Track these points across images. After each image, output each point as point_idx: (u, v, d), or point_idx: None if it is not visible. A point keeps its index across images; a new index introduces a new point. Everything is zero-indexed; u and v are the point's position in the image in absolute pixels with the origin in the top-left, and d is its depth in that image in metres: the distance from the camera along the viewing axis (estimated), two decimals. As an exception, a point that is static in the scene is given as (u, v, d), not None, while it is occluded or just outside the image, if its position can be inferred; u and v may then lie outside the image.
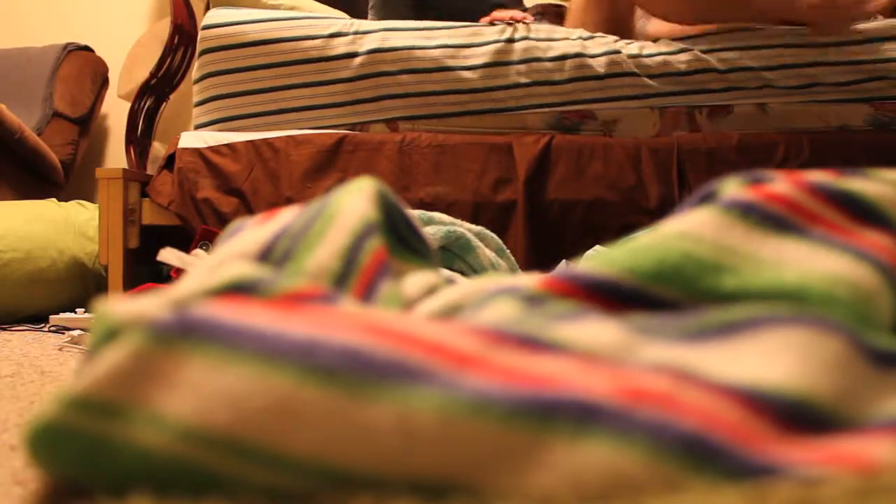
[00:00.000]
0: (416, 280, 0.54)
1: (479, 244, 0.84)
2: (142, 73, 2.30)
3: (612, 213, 1.47)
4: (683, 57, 1.56)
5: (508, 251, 0.92)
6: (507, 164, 1.50)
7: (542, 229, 1.47)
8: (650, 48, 1.58)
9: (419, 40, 1.59)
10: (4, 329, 1.52)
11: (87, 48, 2.68)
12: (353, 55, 1.58)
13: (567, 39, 1.59)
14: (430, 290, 0.54)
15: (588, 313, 0.43)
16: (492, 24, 1.62)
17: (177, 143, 1.61)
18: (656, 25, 1.71)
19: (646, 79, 1.56)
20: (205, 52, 1.63)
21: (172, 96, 2.35)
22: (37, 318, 1.69)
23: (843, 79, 1.54)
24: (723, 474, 0.30)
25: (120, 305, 0.40)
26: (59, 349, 1.17)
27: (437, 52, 1.57)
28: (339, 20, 1.66)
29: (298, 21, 1.63)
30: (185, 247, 1.28)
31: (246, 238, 0.55)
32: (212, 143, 1.58)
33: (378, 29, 1.61)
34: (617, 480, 0.30)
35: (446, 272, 0.66)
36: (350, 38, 1.59)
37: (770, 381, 0.34)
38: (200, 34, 1.65)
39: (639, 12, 1.74)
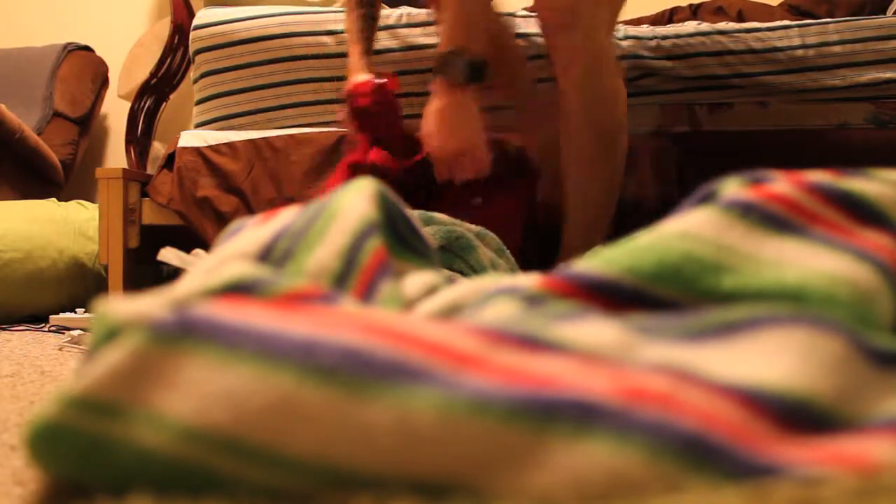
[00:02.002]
0: (416, 280, 0.54)
1: (479, 244, 0.84)
2: (142, 73, 2.30)
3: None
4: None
5: (508, 251, 0.92)
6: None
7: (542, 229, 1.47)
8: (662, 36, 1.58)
9: (417, 37, 1.58)
10: (4, 329, 1.52)
11: (87, 48, 2.68)
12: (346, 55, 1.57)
13: None
14: (430, 290, 0.54)
15: (588, 313, 0.43)
16: None
17: (177, 143, 1.61)
18: None
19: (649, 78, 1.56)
20: (198, 52, 1.64)
21: (172, 96, 2.35)
22: (37, 318, 1.69)
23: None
24: (723, 474, 0.30)
25: (120, 305, 0.40)
26: (59, 349, 1.17)
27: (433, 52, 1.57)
28: (334, 13, 1.63)
29: (289, 17, 1.61)
30: (185, 246, 1.28)
31: (246, 238, 0.55)
32: (212, 142, 1.58)
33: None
34: (617, 480, 0.30)
35: (446, 272, 0.66)
36: (342, 35, 1.56)
37: (770, 381, 0.34)
38: (192, 34, 1.65)
39: None
